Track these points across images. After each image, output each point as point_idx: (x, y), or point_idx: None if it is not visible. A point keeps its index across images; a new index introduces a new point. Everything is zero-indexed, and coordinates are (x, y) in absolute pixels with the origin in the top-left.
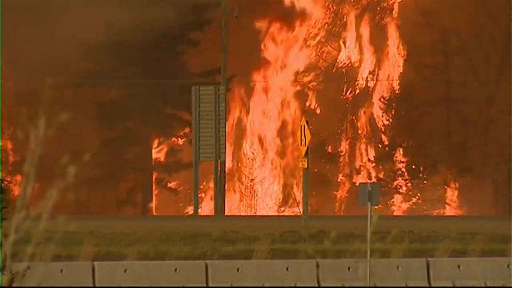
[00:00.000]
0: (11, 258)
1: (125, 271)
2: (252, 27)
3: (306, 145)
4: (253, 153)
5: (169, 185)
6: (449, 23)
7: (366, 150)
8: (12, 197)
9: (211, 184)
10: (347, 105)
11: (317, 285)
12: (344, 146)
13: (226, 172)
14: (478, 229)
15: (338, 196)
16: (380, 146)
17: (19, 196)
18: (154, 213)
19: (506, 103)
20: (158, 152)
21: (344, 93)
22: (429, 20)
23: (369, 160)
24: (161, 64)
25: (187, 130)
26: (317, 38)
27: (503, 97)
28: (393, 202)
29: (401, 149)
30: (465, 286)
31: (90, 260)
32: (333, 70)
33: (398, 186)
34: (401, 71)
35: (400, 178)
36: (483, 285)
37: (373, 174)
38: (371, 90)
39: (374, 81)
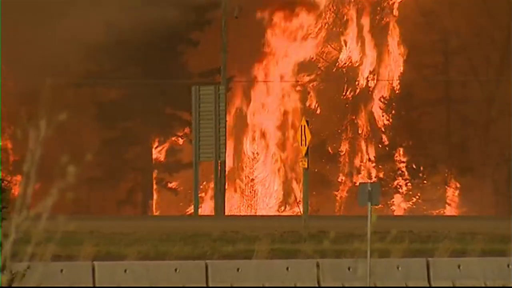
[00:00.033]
0: (11, 258)
1: (125, 271)
2: (252, 27)
3: (306, 145)
4: (253, 153)
5: (169, 185)
6: (449, 23)
7: (366, 150)
8: (12, 197)
9: (211, 184)
10: (347, 105)
11: (317, 285)
12: (344, 146)
13: (226, 172)
14: (478, 229)
15: (338, 196)
16: (380, 146)
17: (19, 196)
18: (154, 213)
19: (506, 103)
20: (158, 152)
21: (344, 93)
22: (429, 20)
23: (369, 160)
24: (161, 64)
25: (187, 130)
26: (317, 38)
27: (503, 97)
28: (393, 202)
29: (401, 149)
30: (465, 286)
31: (90, 260)
32: (333, 70)
33: (398, 186)
34: (401, 71)
35: (400, 178)
36: (483, 285)
37: (373, 174)
38: (371, 90)
39: (374, 81)
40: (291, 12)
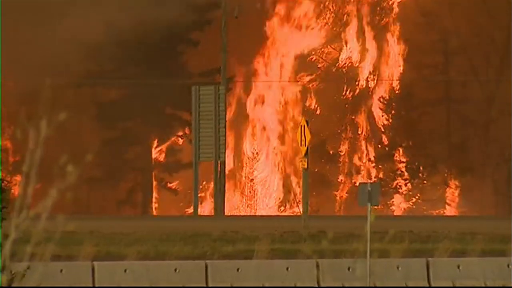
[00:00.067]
0: (11, 258)
1: (125, 271)
2: (252, 27)
3: (306, 145)
4: (253, 153)
5: (169, 185)
6: (449, 23)
7: (366, 150)
8: (12, 197)
9: (211, 184)
10: (347, 105)
11: (317, 285)
12: (344, 146)
13: (226, 172)
14: (478, 229)
15: (338, 196)
16: (380, 146)
17: (19, 196)
18: (154, 213)
19: (506, 103)
20: (158, 152)
21: (344, 93)
22: (429, 20)
23: (369, 160)
24: (161, 64)
25: (187, 130)
26: (317, 39)
27: (503, 97)
28: (393, 202)
29: (401, 149)
30: (465, 286)
31: (90, 260)
32: (333, 70)
33: (398, 186)
34: (401, 71)
35: (400, 178)
36: (483, 285)
37: (373, 174)
38: (371, 90)
39: (374, 81)
40: (291, 12)
